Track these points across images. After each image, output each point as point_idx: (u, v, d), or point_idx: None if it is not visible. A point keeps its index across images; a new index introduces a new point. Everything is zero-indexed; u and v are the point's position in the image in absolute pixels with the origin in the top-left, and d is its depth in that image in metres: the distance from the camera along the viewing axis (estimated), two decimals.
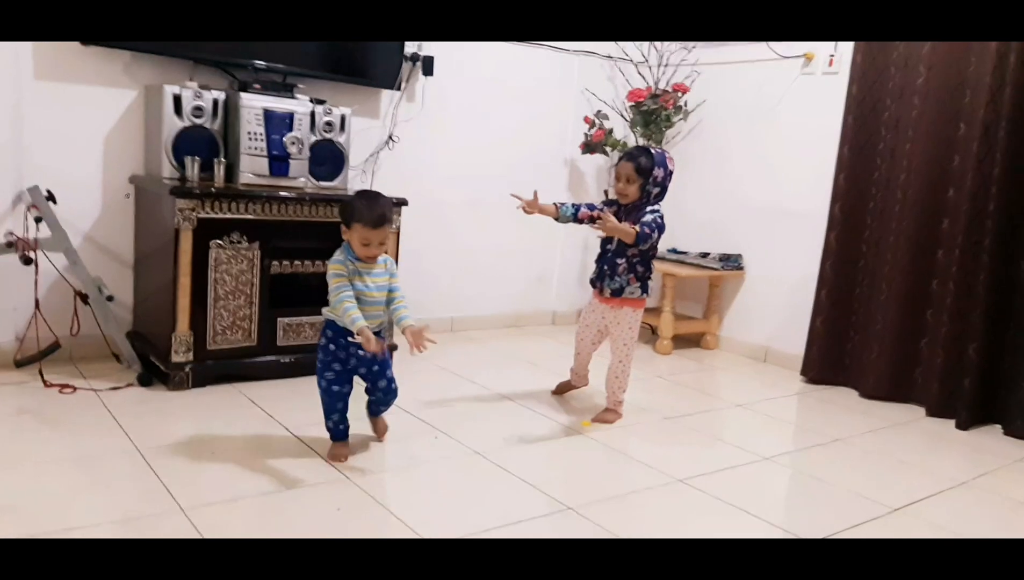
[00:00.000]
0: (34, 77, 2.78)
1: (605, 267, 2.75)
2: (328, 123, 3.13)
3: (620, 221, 2.63)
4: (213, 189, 2.72)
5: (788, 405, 3.29)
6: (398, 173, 3.63)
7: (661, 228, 2.62)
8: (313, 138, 3.08)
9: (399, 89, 3.56)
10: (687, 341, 4.12)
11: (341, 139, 3.18)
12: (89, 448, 2.20)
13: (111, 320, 2.80)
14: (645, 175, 2.62)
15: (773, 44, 3.78)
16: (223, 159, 2.89)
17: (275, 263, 2.85)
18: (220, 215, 2.70)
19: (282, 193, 2.85)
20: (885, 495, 2.34)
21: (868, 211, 3.46)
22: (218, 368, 2.77)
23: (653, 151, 2.68)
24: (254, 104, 2.90)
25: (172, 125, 2.82)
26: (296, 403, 2.68)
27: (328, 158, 3.16)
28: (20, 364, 2.76)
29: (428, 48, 3.61)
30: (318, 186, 3.12)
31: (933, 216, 3.22)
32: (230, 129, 2.93)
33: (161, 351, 2.74)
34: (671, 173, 2.68)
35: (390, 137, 3.62)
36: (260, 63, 3.06)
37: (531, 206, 2.75)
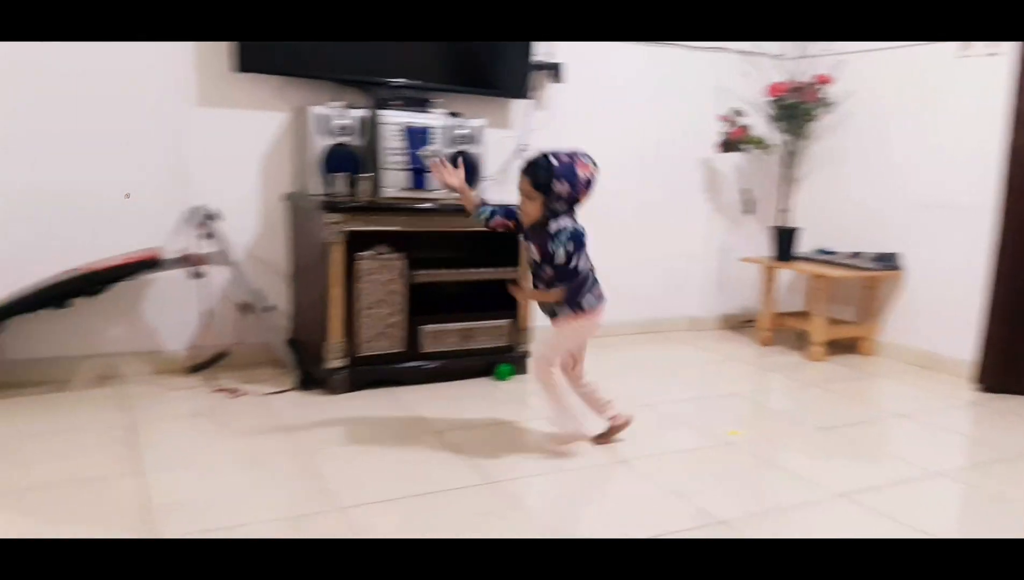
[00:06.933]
0: (197, 104, 3.01)
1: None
2: (463, 135, 3.19)
3: (527, 238, 2.35)
4: (359, 203, 2.84)
5: (960, 416, 3.01)
6: None
7: (576, 249, 2.27)
8: (450, 150, 3.15)
9: (529, 98, 3.58)
10: (841, 347, 3.87)
11: (476, 150, 3.24)
12: (255, 449, 2.34)
13: (271, 329, 2.98)
14: (544, 190, 2.22)
15: None
16: (367, 174, 3.01)
17: (418, 273, 2.94)
18: (366, 228, 2.82)
19: (422, 205, 2.93)
20: None
21: None
22: (370, 373, 2.89)
23: (556, 160, 2.23)
24: (394, 120, 3.01)
25: (320, 143, 2.97)
26: (441, 406, 2.75)
27: (464, 169, 3.21)
28: (193, 371, 3.00)
29: (557, 55, 3.62)
30: (456, 197, 3.18)
31: None
32: (373, 145, 3.05)
33: (317, 357, 2.88)
34: (586, 181, 2.25)
35: (522, 145, 3.65)
36: (398, 80, 3.17)
37: (447, 173, 2.42)
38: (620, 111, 3.88)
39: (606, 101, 3.84)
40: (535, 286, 2.40)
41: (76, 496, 1.99)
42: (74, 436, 2.38)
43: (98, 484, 2.06)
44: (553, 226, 2.26)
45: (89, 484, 2.06)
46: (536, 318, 3.26)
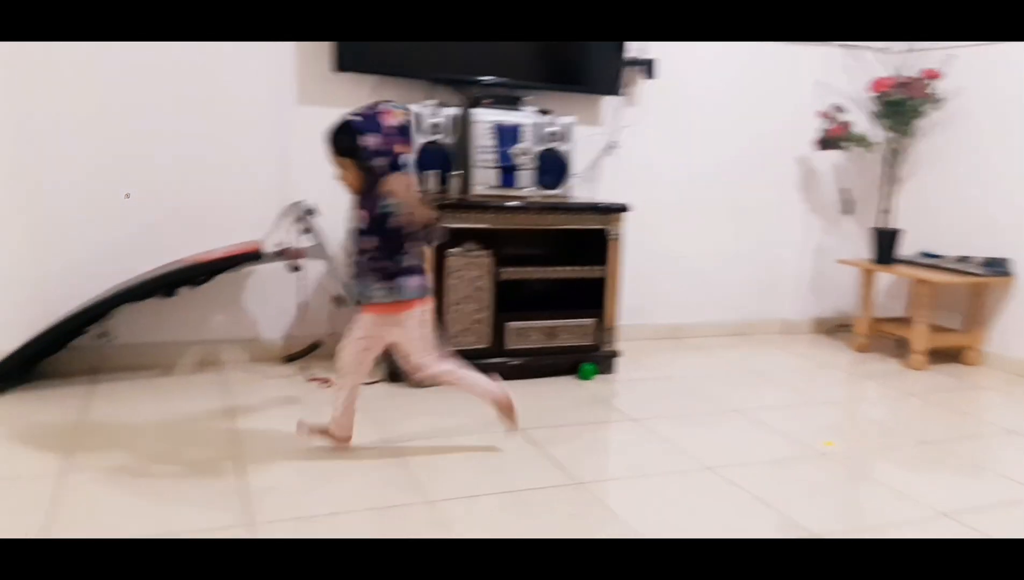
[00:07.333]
0: (298, 103, 3.12)
1: (354, 270, 2.19)
2: (552, 133, 3.19)
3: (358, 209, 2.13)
4: (449, 200, 2.88)
5: None
6: (620, 179, 3.61)
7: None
8: (539, 148, 3.16)
9: (621, 94, 3.54)
10: (944, 356, 3.67)
11: (565, 148, 3.23)
12: None
13: None
14: (354, 153, 2.07)
15: None
16: (458, 172, 3.05)
17: (505, 270, 2.96)
18: (456, 225, 2.85)
19: (511, 202, 2.95)
20: None
21: None
22: None
23: (352, 117, 2.11)
24: (485, 119, 3.03)
25: (413, 141, 3.02)
26: (525, 404, 2.75)
27: (553, 167, 3.22)
28: (287, 360, 3.12)
29: (650, 51, 3.56)
30: (543, 195, 3.19)
31: None
32: (464, 143, 3.08)
33: None
34: (397, 127, 2.10)
35: (611, 143, 3.61)
36: (489, 78, 3.20)
37: None
38: (714, 107, 3.79)
39: (699, 97, 3.76)
40: (358, 264, 2.16)
41: (180, 477, 2.11)
42: (177, 420, 2.51)
43: (199, 466, 2.17)
44: (381, 187, 2.08)
45: (191, 466, 2.17)
46: (623, 317, 3.24)
